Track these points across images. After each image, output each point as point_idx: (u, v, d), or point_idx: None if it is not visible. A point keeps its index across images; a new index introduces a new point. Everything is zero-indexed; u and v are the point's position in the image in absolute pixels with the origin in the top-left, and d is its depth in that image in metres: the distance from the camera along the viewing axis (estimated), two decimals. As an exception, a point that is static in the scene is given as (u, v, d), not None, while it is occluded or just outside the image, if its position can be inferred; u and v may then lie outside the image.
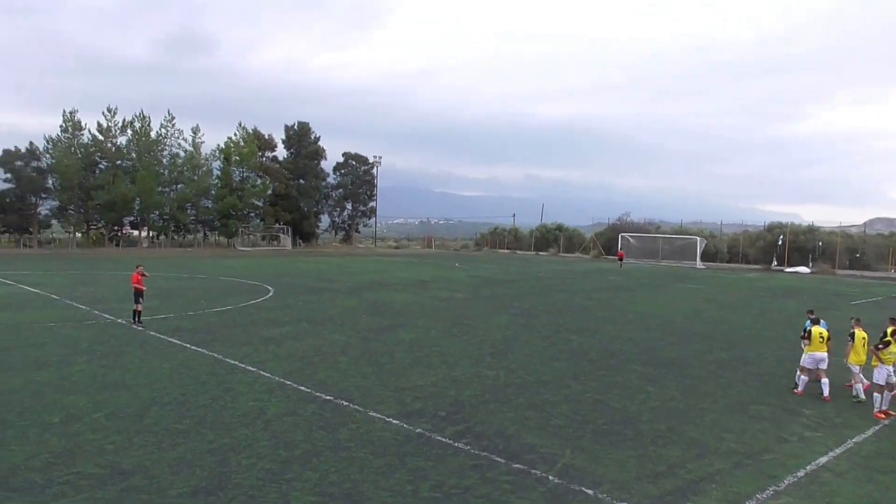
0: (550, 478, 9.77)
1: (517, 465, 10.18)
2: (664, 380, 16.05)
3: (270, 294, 32.00)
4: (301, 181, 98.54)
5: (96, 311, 24.58)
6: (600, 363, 17.68)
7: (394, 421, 12.15)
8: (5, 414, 11.98)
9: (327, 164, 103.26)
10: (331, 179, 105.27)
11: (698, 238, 71.43)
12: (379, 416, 12.44)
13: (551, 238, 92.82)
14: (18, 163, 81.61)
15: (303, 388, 14.25)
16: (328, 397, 13.57)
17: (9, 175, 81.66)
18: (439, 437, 11.36)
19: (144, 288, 22.34)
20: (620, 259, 68.93)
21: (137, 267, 22.80)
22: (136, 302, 21.96)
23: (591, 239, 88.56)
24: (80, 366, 15.87)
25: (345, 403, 13.14)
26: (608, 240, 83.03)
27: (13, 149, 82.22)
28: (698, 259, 68.71)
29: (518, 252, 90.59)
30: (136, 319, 21.83)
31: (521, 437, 11.48)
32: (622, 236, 75.95)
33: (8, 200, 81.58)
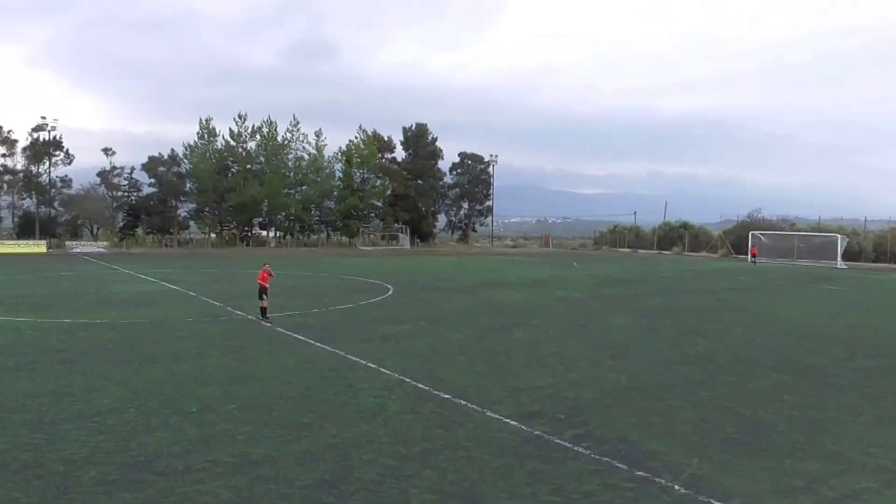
0: (676, 487, 9.34)
1: (640, 473, 9.81)
2: (801, 387, 15.02)
3: (390, 292, 32.70)
4: (419, 181, 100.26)
5: (229, 308, 25.98)
6: (729, 368, 16.79)
7: (511, 422, 12.04)
8: (150, 402, 12.84)
9: (444, 164, 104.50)
10: (448, 179, 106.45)
11: (839, 236, 66.54)
12: (496, 416, 12.37)
13: (675, 236, 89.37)
14: (161, 168, 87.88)
15: (421, 385, 14.41)
16: (446, 396, 13.65)
17: (153, 180, 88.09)
18: (558, 440, 11.14)
19: (268, 285, 23.34)
20: (754, 256, 65.61)
21: (264, 265, 23.88)
22: (261, 298, 23.03)
23: (718, 237, 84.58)
24: (214, 359, 16.80)
25: (462, 402, 13.17)
26: (737, 238, 78.92)
27: (157, 155, 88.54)
28: (839, 258, 64.06)
29: (640, 251, 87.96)
30: (264, 315, 22.88)
31: (644, 444, 11.06)
32: (753, 234, 72.07)
33: (152, 203, 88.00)
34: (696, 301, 31.63)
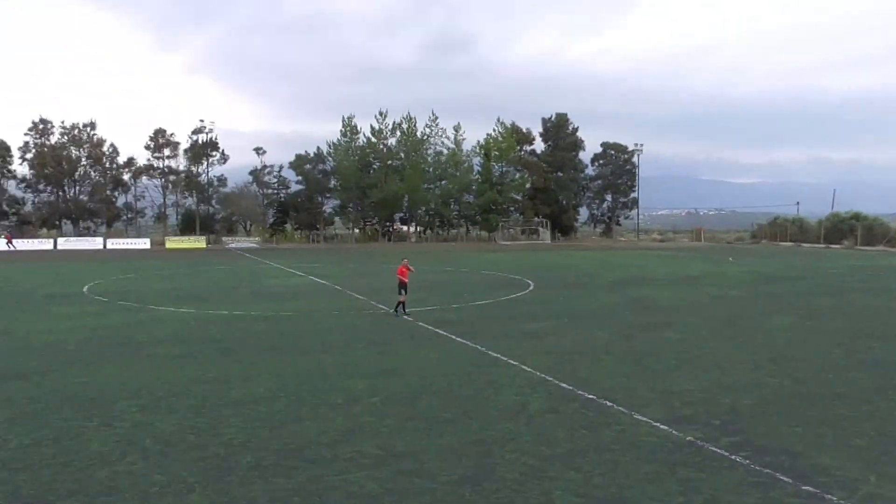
0: (851, 507, 8.44)
1: (807, 488, 8.96)
2: None
3: (530, 288, 32.40)
4: (559, 174, 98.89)
5: (372, 302, 26.72)
6: (909, 375, 15.11)
7: (661, 426, 11.43)
8: (301, 392, 13.36)
9: (585, 156, 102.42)
10: (589, 171, 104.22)
11: None
12: (645, 419, 11.79)
13: (845, 228, 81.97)
14: (307, 166, 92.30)
15: (564, 385, 14.04)
16: (590, 396, 13.20)
17: (300, 177, 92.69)
18: (713, 448, 10.43)
19: (408, 280, 23.69)
20: None
21: (403, 260, 24.31)
22: (400, 293, 23.41)
23: (897, 229, 77.00)
24: (359, 351, 17.27)
25: (608, 404, 12.68)
26: (922, 229, 71.38)
27: (303, 153, 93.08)
28: None
29: (804, 245, 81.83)
30: (403, 310, 23.27)
31: (811, 456, 10.12)
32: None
33: (299, 200, 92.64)
34: (871, 300, 28.87)
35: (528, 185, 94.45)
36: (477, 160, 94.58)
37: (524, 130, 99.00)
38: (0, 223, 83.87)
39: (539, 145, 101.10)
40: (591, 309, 25.31)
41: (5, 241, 71.10)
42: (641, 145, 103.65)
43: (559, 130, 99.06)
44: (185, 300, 27.46)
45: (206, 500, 8.52)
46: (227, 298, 28.15)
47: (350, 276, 38.20)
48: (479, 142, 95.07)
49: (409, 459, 9.85)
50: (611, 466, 9.63)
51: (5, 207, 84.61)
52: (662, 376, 14.88)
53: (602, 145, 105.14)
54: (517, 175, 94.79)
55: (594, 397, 13.11)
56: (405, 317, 22.72)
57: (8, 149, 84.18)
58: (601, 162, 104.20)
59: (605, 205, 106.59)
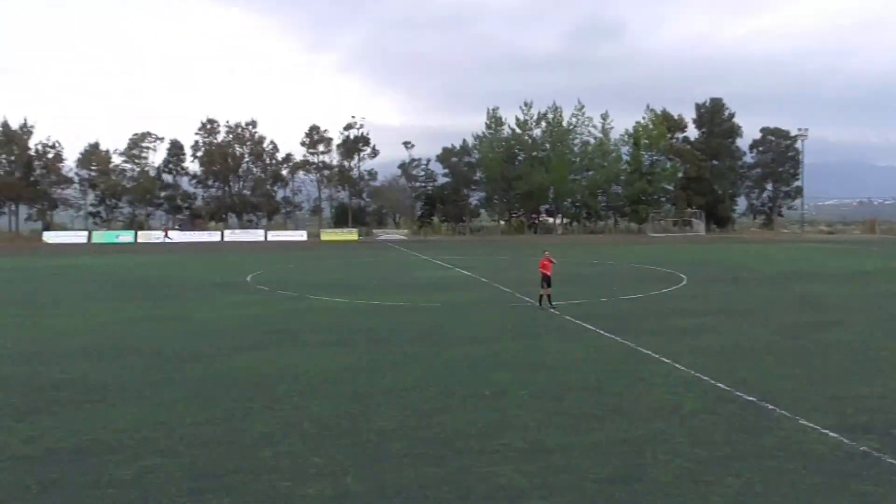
0: None
1: None
2: None
3: (683, 283, 31.05)
4: (714, 162, 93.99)
5: (518, 294, 26.68)
6: None
7: (831, 434, 10.53)
8: (449, 383, 13.57)
9: (743, 142, 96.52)
10: (747, 158, 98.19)
11: None
12: (812, 425, 10.92)
13: None
14: (454, 159, 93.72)
15: (721, 385, 13.31)
16: (750, 398, 12.42)
17: (446, 170, 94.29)
18: (892, 461, 9.48)
19: (550, 273, 23.35)
20: None
21: (545, 253, 24.09)
22: (543, 286, 23.16)
23: None
24: (506, 344, 17.28)
25: (770, 407, 11.86)
26: None
27: (449, 146, 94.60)
28: None
29: None
30: (549, 303, 22.99)
31: None
32: None
33: (446, 193, 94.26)
34: None
35: (680, 175, 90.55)
36: (626, 149, 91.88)
37: (675, 117, 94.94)
38: (175, 216, 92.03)
39: (692, 132, 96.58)
40: (750, 305, 23.84)
41: (163, 233, 77.81)
42: (805, 130, 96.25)
43: (714, 116, 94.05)
44: (339, 290, 28.76)
45: (359, 483, 8.85)
46: (379, 289, 29.16)
47: (496, 269, 38.37)
48: (627, 130, 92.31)
49: (557, 455, 9.72)
50: (774, 474, 9.00)
51: (179, 202, 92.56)
52: (832, 379, 13.73)
53: (761, 131, 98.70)
54: (668, 164, 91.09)
55: (754, 399, 12.32)
56: (551, 310, 22.48)
57: (182, 148, 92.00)
58: (760, 149, 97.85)
59: (765, 194, 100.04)
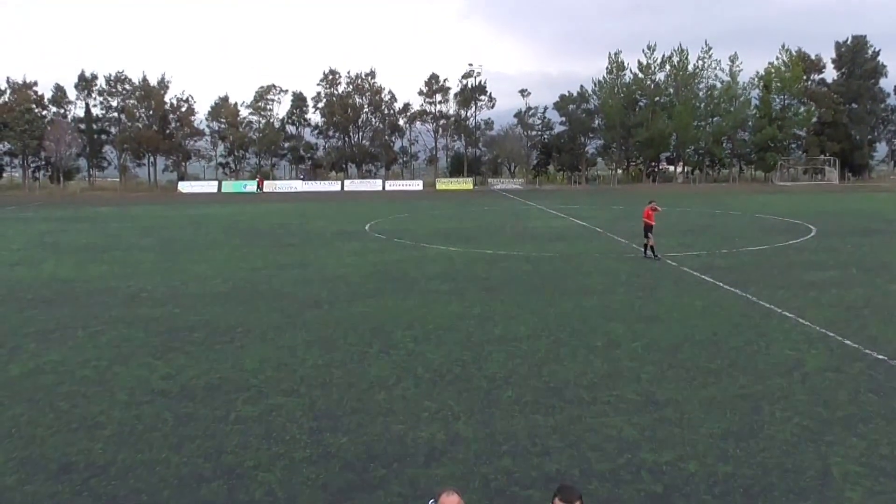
0: None
1: None
2: None
3: (812, 234, 29.27)
4: (853, 105, 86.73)
5: (634, 245, 26.07)
6: None
7: (974, 398, 9.80)
8: (560, 333, 13.60)
9: (887, 83, 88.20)
10: (891, 101, 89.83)
11: None
12: (953, 388, 10.19)
13: None
14: (571, 106, 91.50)
15: (848, 342, 12.60)
16: (880, 356, 11.70)
17: (563, 118, 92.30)
18: None
19: (654, 223, 22.89)
20: None
21: (650, 202, 23.45)
22: (646, 236, 22.62)
23: None
24: (620, 296, 17.03)
25: (905, 367, 11.15)
26: None
27: (567, 94, 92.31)
28: None
29: None
30: (653, 253, 22.60)
31: None
32: None
33: (562, 141, 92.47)
34: None
35: (814, 119, 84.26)
36: (755, 93, 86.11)
37: (812, 58, 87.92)
38: (298, 166, 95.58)
39: (830, 74, 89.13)
40: (886, 260, 22.20)
41: (257, 184, 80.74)
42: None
43: (855, 55, 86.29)
44: (453, 239, 29.13)
45: (469, 429, 9.12)
46: (492, 238, 29.31)
47: (612, 219, 37.56)
48: (758, 73, 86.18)
49: (669, 408, 9.61)
50: (905, 437, 8.52)
51: (302, 153, 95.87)
52: (980, 341, 12.68)
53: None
54: (801, 108, 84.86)
55: (885, 358, 11.60)
56: (656, 259, 21.97)
57: (304, 100, 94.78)
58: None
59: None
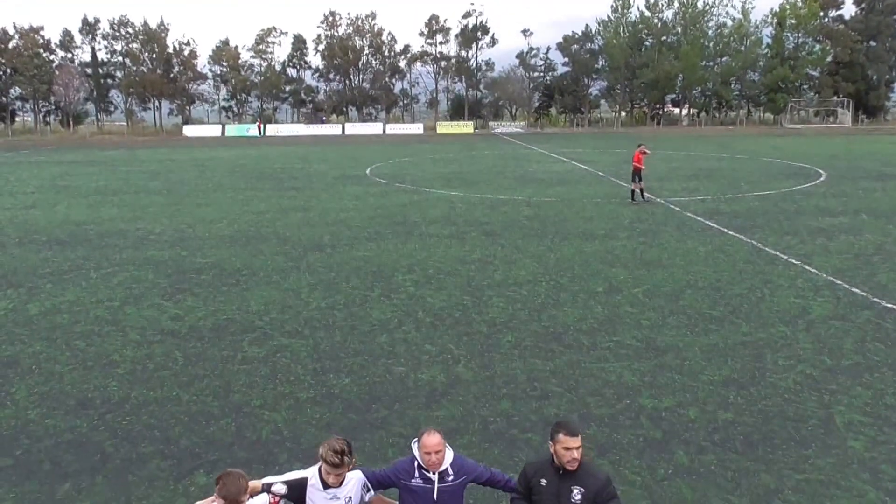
0: None
1: None
2: None
3: (822, 179, 28.94)
4: (871, 43, 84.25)
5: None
6: None
7: (979, 346, 9.74)
8: (560, 278, 13.52)
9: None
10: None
11: None
12: (957, 336, 10.12)
13: None
14: (574, 47, 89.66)
15: (856, 290, 12.50)
16: (888, 305, 11.61)
17: (566, 59, 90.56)
18: None
19: (643, 167, 22.70)
20: None
21: (639, 146, 23.16)
22: (633, 181, 22.65)
23: None
24: (622, 241, 16.90)
25: (910, 314, 11.07)
26: None
27: (570, 34, 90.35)
28: None
29: None
30: (641, 196, 22.53)
31: None
32: None
33: (565, 83, 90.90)
34: None
35: (828, 59, 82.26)
36: (767, 31, 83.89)
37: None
38: (300, 110, 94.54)
39: (849, 10, 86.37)
40: None
41: (257, 127, 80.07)
42: None
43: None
44: (454, 183, 28.89)
45: (469, 371, 9.12)
46: (493, 183, 29.05)
47: (614, 163, 37.13)
48: (772, 10, 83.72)
49: (670, 354, 9.58)
50: (909, 386, 8.49)
51: (303, 96, 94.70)
52: None
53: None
54: (816, 47, 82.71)
55: (894, 307, 11.52)
56: (645, 201, 22.19)
57: (304, 42, 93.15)
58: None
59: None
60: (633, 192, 22.93)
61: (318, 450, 4.63)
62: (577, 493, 4.18)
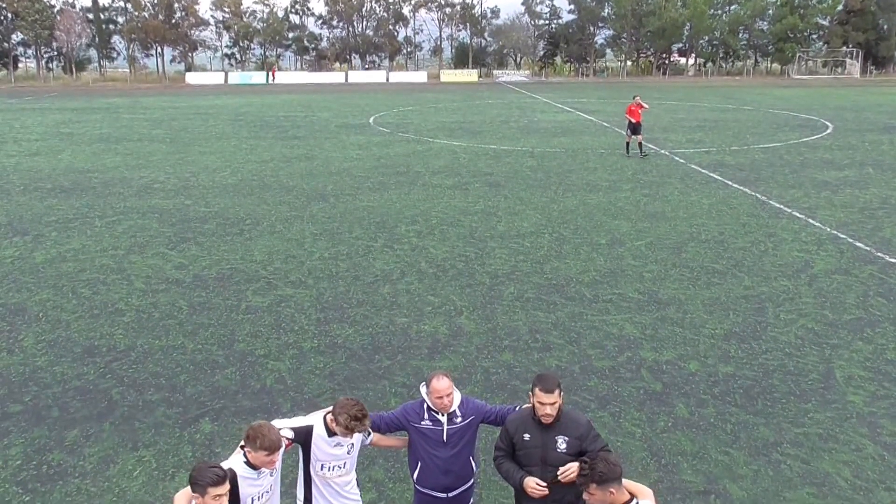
0: None
1: None
2: None
3: (828, 131, 28.62)
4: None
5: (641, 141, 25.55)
6: None
7: (981, 301, 9.75)
8: (563, 230, 13.49)
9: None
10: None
11: None
12: (960, 291, 10.13)
13: None
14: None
15: (860, 244, 12.47)
16: (893, 260, 11.60)
17: (572, 6, 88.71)
18: None
19: (640, 120, 22.09)
20: None
21: (634, 97, 22.77)
22: (627, 133, 22.16)
23: None
24: (625, 193, 16.80)
25: (913, 269, 11.07)
26: None
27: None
28: None
29: None
30: (639, 149, 21.96)
31: None
32: None
33: (570, 31, 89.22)
34: None
35: (839, 7, 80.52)
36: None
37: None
38: (303, 58, 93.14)
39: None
40: (902, 158, 21.78)
41: (271, 74, 79.08)
42: None
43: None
44: (457, 133, 28.62)
45: (472, 323, 9.18)
46: (497, 133, 28.77)
47: (619, 113, 36.65)
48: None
49: (672, 307, 9.62)
50: (909, 341, 8.53)
51: (306, 43, 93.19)
52: None
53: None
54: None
55: (896, 261, 11.52)
56: (642, 156, 21.61)
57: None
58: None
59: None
60: (627, 144, 22.54)
61: (320, 399, 4.68)
62: (561, 442, 4.22)
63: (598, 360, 8.15)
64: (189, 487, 3.84)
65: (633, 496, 3.77)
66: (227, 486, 3.73)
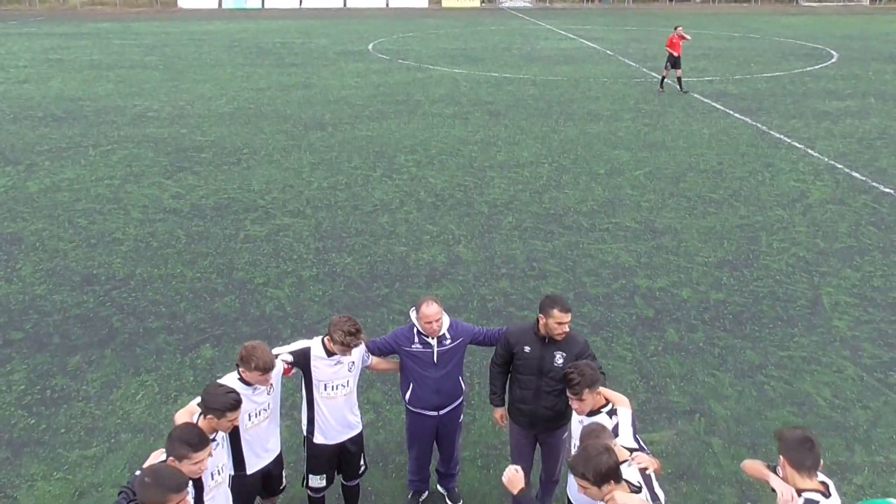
0: None
1: None
2: None
3: (833, 60, 28.13)
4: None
5: (644, 69, 25.19)
6: None
7: (973, 231, 9.86)
8: (563, 160, 13.48)
9: None
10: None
11: None
12: (953, 222, 10.23)
13: None
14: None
15: (856, 174, 12.50)
16: (887, 190, 11.65)
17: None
18: None
19: (680, 53, 20.43)
20: None
21: (676, 28, 21.19)
22: (666, 67, 20.59)
23: None
24: (626, 122, 16.69)
25: (908, 200, 11.14)
26: None
27: None
28: None
29: None
30: (678, 86, 20.66)
31: None
32: None
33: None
34: None
35: (851, -69, 77.90)
36: None
37: None
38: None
39: None
40: (907, 88, 21.51)
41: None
42: None
43: None
44: (458, 61, 28.14)
45: (469, 251, 9.31)
46: (498, 60, 28.28)
47: (624, 41, 35.99)
48: None
49: (667, 236, 9.74)
50: (898, 270, 8.68)
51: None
52: None
53: None
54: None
55: (891, 191, 11.57)
56: (684, 93, 20.31)
57: None
58: None
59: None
60: (662, 79, 20.99)
61: (320, 326, 4.82)
62: (559, 357, 4.49)
63: (593, 287, 8.31)
64: (190, 405, 4.03)
65: (608, 402, 4.00)
66: (241, 409, 3.92)
